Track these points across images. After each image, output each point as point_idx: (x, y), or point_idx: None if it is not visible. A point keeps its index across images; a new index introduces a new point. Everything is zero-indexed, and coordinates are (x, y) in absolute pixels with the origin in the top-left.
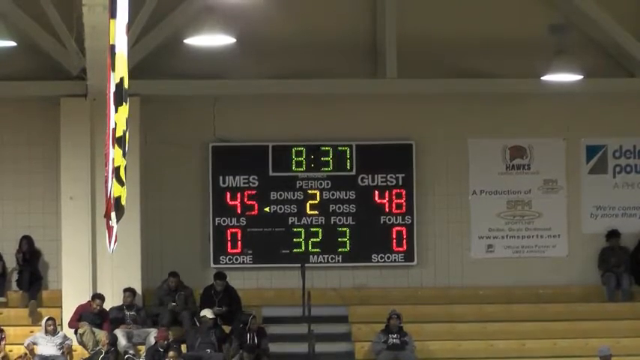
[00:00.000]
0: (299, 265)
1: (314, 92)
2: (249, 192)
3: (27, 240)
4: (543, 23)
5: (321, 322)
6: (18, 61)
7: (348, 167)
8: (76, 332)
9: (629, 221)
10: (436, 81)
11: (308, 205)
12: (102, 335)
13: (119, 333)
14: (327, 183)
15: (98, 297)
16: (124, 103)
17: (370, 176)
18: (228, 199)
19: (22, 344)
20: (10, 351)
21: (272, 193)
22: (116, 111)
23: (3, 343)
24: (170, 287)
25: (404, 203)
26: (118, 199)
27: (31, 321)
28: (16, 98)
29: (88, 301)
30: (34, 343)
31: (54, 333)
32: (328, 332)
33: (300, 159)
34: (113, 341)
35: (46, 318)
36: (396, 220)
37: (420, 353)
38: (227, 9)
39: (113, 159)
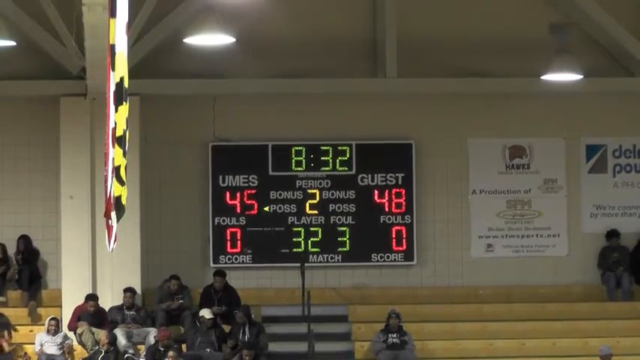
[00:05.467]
0: (299, 264)
1: (314, 92)
2: (249, 191)
3: (24, 240)
4: (543, 23)
5: (320, 321)
6: (18, 60)
7: (348, 167)
8: (75, 332)
9: (628, 221)
10: (436, 81)
11: (308, 204)
12: (101, 335)
13: (119, 332)
14: (327, 182)
15: (91, 298)
16: (124, 103)
17: (370, 176)
18: (228, 199)
19: (23, 344)
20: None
21: (272, 192)
22: (116, 110)
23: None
24: (171, 290)
25: (404, 203)
26: (118, 199)
27: (30, 320)
28: (16, 98)
29: (84, 302)
30: (41, 345)
31: (55, 333)
32: (328, 332)
33: (300, 158)
34: (113, 341)
35: (49, 317)
36: (396, 219)
37: (420, 353)
38: (227, 8)
39: (113, 158)
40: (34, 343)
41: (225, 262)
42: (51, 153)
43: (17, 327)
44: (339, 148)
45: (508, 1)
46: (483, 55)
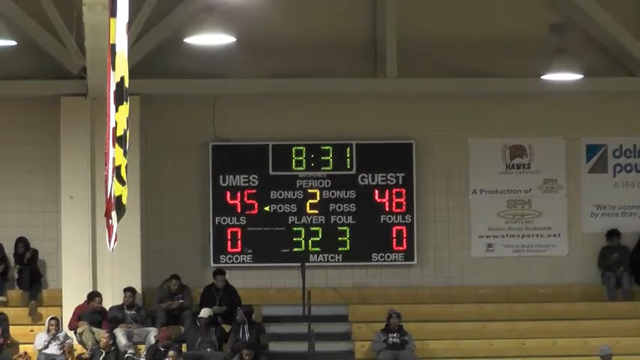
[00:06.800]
0: (299, 264)
1: (314, 92)
2: (249, 191)
3: (23, 242)
4: (543, 23)
5: (321, 321)
6: (18, 60)
7: (348, 166)
8: (75, 332)
9: (629, 220)
10: (436, 81)
11: (308, 204)
12: (102, 335)
13: (119, 332)
14: (327, 182)
15: (96, 294)
16: (124, 102)
17: (370, 175)
18: (228, 199)
19: (22, 343)
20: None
21: (272, 192)
22: (117, 110)
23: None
24: (171, 290)
25: (404, 202)
26: (119, 199)
27: (30, 320)
28: (16, 98)
29: (85, 301)
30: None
31: (55, 333)
32: (328, 331)
33: (300, 158)
34: (113, 340)
35: (49, 317)
36: (396, 219)
37: (420, 352)
38: (227, 8)
39: (114, 158)
40: (33, 343)
41: (226, 262)
42: (51, 153)
43: (17, 327)
44: (339, 148)
45: (508, 1)
46: (483, 55)
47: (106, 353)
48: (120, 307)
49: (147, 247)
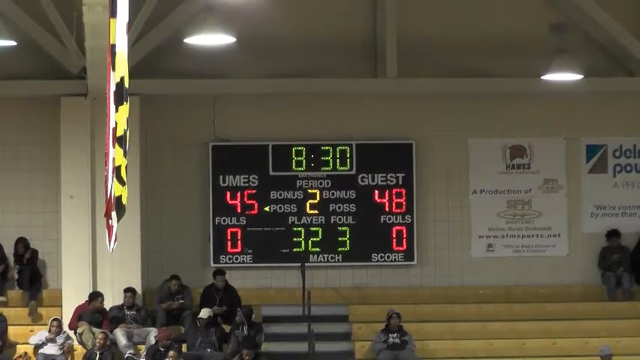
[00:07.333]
0: (299, 264)
1: (314, 92)
2: (249, 191)
3: (23, 242)
4: (543, 23)
5: (321, 321)
6: (18, 60)
7: (348, 166)
8: (75, 332)
9: (629, 220)
10: (436, 81)
11: (308, 204)
12: (98, 335)
13: (119, 332)
14: (327, 182)
15: (99, 295)
16: (124, 103)
17: (370, 175)
18: (228, 199)
19: (22, 343)
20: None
21: (272, 192)
22: (117, 110)
23: None
24: (171, 290)
25: (404, 202)
26: (119, 199)
27: (31, 320)
28: (16, 98)
29: (86, 301)
30: (41, 345)
31: (57, 333)
32: (328, 332)
33: (300, 158)
34: (110, 342)
35: (51, 318)
36: (396, 219)
37: (420, 353)
38: (227, 8)
39: (114, 158)
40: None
41: (226, 262)
42: (51, 153)
43: (17, 327)
44: (339, 148)
45: (508, 1)
46: (483, 55)
47: (100, 354)
48: (120, 307)
49: (147, 247)
